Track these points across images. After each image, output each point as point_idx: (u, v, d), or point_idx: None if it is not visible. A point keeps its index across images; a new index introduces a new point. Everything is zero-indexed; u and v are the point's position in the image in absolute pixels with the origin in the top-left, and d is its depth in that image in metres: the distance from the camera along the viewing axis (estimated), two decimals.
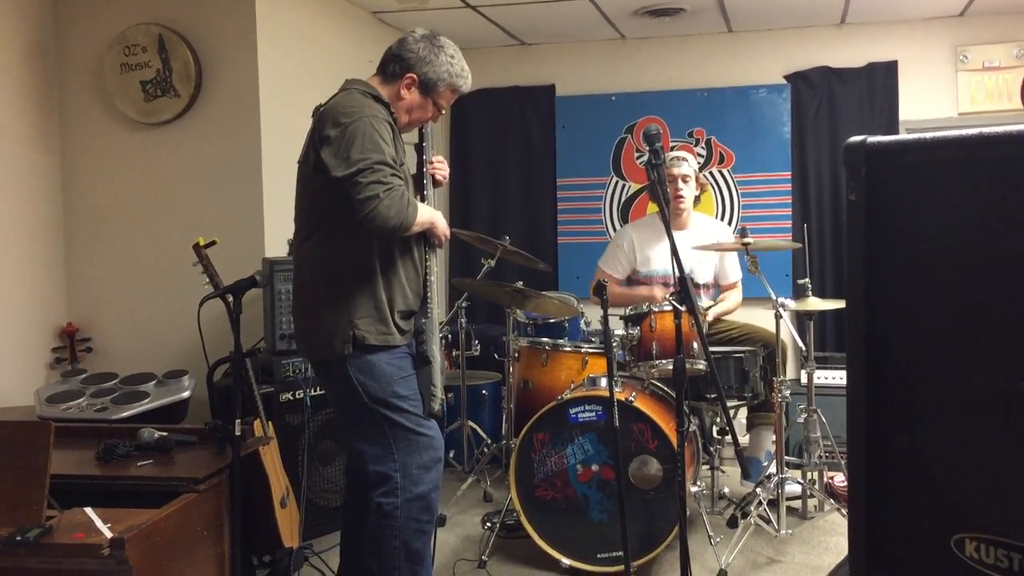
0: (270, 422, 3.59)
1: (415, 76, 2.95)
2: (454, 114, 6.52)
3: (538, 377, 4.25)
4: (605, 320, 3.26)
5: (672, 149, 6.00)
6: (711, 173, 6.12)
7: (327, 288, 2.88)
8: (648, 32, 6.05)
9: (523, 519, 3.65)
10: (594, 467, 3.60)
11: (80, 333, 4.59)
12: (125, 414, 3.53)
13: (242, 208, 4.41)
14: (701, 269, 4.63)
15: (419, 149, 3.16)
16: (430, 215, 2.93)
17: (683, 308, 2.83)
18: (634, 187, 6.26)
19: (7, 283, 4.28)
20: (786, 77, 6.02)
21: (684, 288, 2.81)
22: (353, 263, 2.85)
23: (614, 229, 6.21)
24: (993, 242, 1.16)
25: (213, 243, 3.44)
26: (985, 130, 1.21)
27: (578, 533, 3.61)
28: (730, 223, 6.03)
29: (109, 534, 2.49)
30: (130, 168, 4.56)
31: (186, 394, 3.71)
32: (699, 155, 6.10)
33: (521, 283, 4.24)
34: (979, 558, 1.24)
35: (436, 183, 3.17)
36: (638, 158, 6.20)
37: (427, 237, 2.99)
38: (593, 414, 3.59)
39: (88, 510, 2.67)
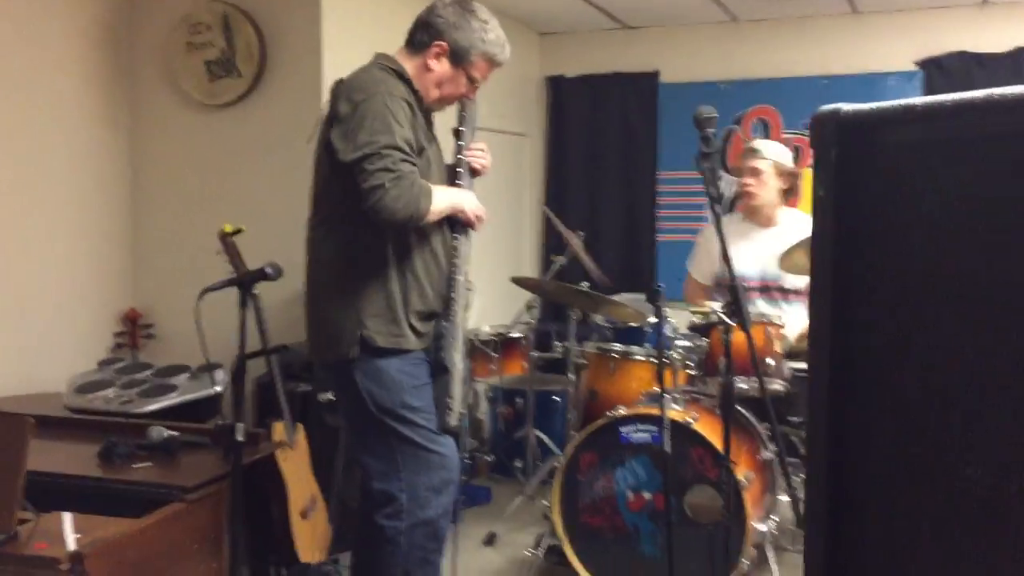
0: (300, 424, 3.35)
1: (444, 44, 2.64)
2: (551, 101, 6.17)
3: (605, 387, 3.87)
4: (659, 333, 2.87)
5: (785, 142, 5.46)
6: None
7: (336, 283, 2.60)
8: (762, 14, 5.54)
9: (567, 548, 3.29)
10: (646, 495, 3.20)
11: (143, 319, 4.48)
12: (150, 408, 3.36)
13: (301, 192, 4.18)
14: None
15: (456, 133, 2.84)
16: (451, 199, 2.60)
17: (733, 322, 2.41)
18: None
19: (74, 265, 4.21)
20: (918, 63, 5.38)
21: (736, 298, 2.39)
22: (364, 255, 2.56)
23: None
24: (1010, 262, 0.75)
25: (239, 231, 3.20)
26: (1000, 92, 0.79)
27: (627, 567, 3.22)
28: None
29: (72, 547, 2.28)
30: (195, 150, 4.43)
31: (218, 389, 3.51)
32: None
33: (587, 284, 3.86)
34: None
35: (475, 173, 2.84)
36: None
37: (453, 222, 2.67)
38: (647, 435, 3.18)
39: (65, 516, 2.47)
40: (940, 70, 5.34)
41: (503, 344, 4.76)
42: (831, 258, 0.90)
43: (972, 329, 0.81)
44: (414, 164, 2.48)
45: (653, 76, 5.93)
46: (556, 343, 4.73)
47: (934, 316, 0.85)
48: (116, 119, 4.42)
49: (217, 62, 4.25)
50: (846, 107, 0.92)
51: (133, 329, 4.42)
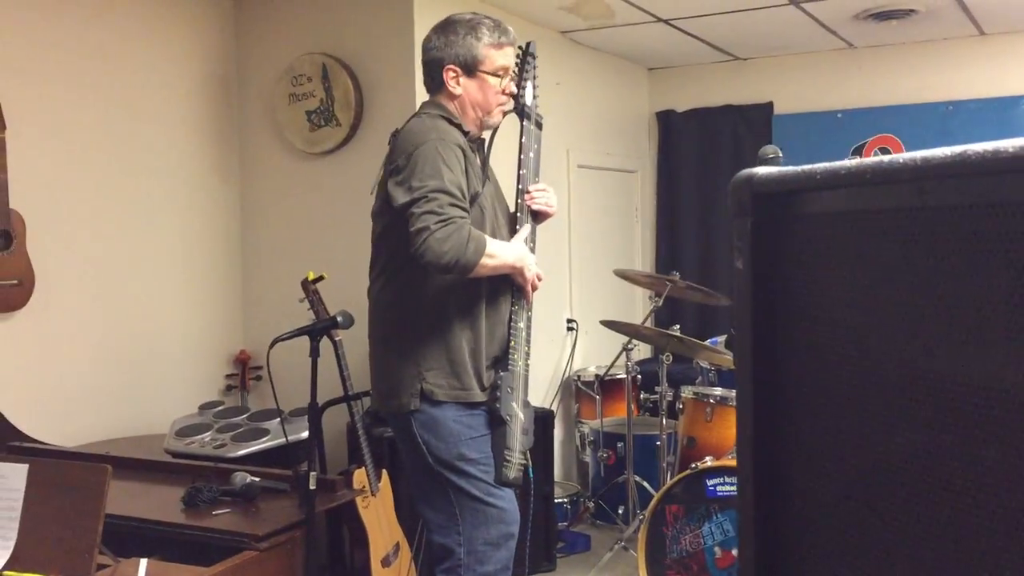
0: (386, 471, 3.36)
1: (452, 66, 2.62)
2: (661, 137, 6.06)
3: (703, 434, 3.74)
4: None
5: None
6: None
7: (396, 335, 2.59)
8: (879, 39, 5.29)
9: None
10: (735, 551, 3.04)
11: (253, 361, 4.62)
12: (242, 452, 3.43)
13: None
14: None
15: (518, 179, 2.78)
16: (510, 256, 2.54)
17: None
18: None
19: (189, 308, 4.39)
20: None
21: None
22: (424, 306, 2.54)
23: None
24: (934, 358, 0.65)
25: (321, 278, 3.27)
26: (939, 154, 0.69)
27: None
28: None
29: None
30: (298, 198, 4.55)
31: (305, 434, 3.55)
32: None
33: (678, 327, 3.74)
34: None
35: (537, 218, 2.78)
36: None
37: (512, 283, 2.62)
38: (735, 487, 3.03)
39: (142, 562, 2.54)
40: None
41: (603, 386, 4.67)
42: (751, 334, 0.81)
43: (893, 406, 0.71)
44: (465, 210, 2.45)
45: (767, 107, 5.76)
46: (664, 385, 4.60)
47: (856, 394, 0.75)
48: (227, 169, 4.60)
49: (317, 111, 4.37)
50: (761, 172, 0.83)
51: (244, 371, 4.55)
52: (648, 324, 4.19)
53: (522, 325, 2.65)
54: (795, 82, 5.68)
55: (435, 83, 2.68)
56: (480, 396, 2.57)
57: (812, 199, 0.78)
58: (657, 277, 4.12)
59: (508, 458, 2.53)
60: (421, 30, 4.19)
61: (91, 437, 3.87)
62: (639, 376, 4.86)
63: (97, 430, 3.93)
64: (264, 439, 3.51)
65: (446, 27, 2.65)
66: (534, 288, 2.63)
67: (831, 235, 0.76)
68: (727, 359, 3.89)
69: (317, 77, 4.34)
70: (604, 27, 5.00)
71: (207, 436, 3.55)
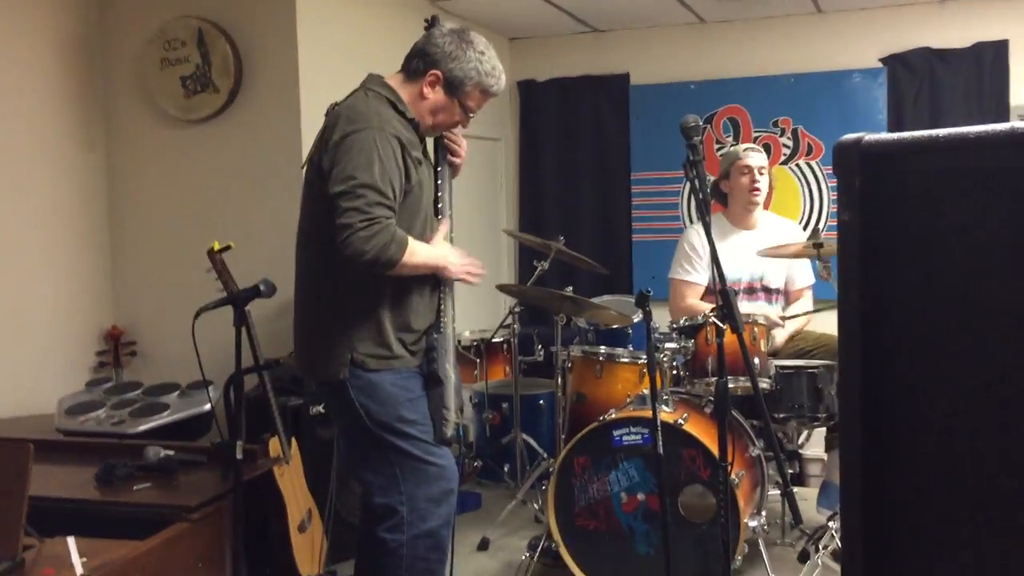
0: (295, 439, 3.36)
1: (439, 73, 2.65)
2: (522, 106, 6.21)
3: (592, 390, 3.91)
4: (648, 336, 2.91)
5: (755, 140, 5.56)
6: (798, 165, 5.65)
7: (324, 305, 2.61)
8: (729, 15, 5.61)
9: (563, 550, 3.33)
10: (640, 496, 3.25)
11: (125, 336, 4.46)
12: (142, 428, 3.36)
13: (282, 207, 4.19)
14: (773, 272, 4.17)
15: (434, 171, 2.84)
16: (436, 256, 2.62)
17: (725, 326, 2.46)
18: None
19: (53, 284, 4.19)
20: (882, 60, 5.49)
21: (727, 302, 2.44)
22: (353, 278, 2.55)
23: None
24: None
25: (228, 247, 3.22)
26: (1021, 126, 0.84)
27: (623, 567, 3.27)
28: (819, 220, 5.56)
29: (80, 571, 2.28)
30: (173, 167, 4.42)
31: (207, 407, 3.51)
32: (784, 146, 5.64)
33: (571, 288, 3.90)
34: None
35: (453, 167, 2.86)
36: (718, 150, 5.76)
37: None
38: (639, 437, 3.24)
39: (69, 540, 2.47)
40: (904, 66, 5.45)
41: (486, 349, 4.80)
42: (858, 279, 0.94)
43: (998, 347, 0.86)
44: (391, 208, 2.47)
45: (624, 78, 5.99)
46: (538, 347, 4.78)
47: (961, 336, 0.90)
48: (91, 137, 4.40)
49: (192, 77, 4.24)
50: (868, 137, 0.97)
51: (116, 347, 4.39)
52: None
53: (448, 289, 2.73)
54: (650, 55, 5.94)
55: (411, 71, 2.68)
56: (412, 361, 2.63)
57: (918, 159, 0.92)
58: (544, 241, 4.27)
59: (446, 417, 2.62)
60: None
61: None
62: (512, 341, 5.00)
63: None
64: (164, 413, 3.45)
65: (462, 40, 2.66)
66: (466, 279, 2.70)
67: (929, 189, 0.90)
68: (611, 316, 4.09)
69: (192, 42, 4.22)
70: None
71: (101, 413, 3.45)
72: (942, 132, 0.91)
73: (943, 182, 0.89)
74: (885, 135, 0.96)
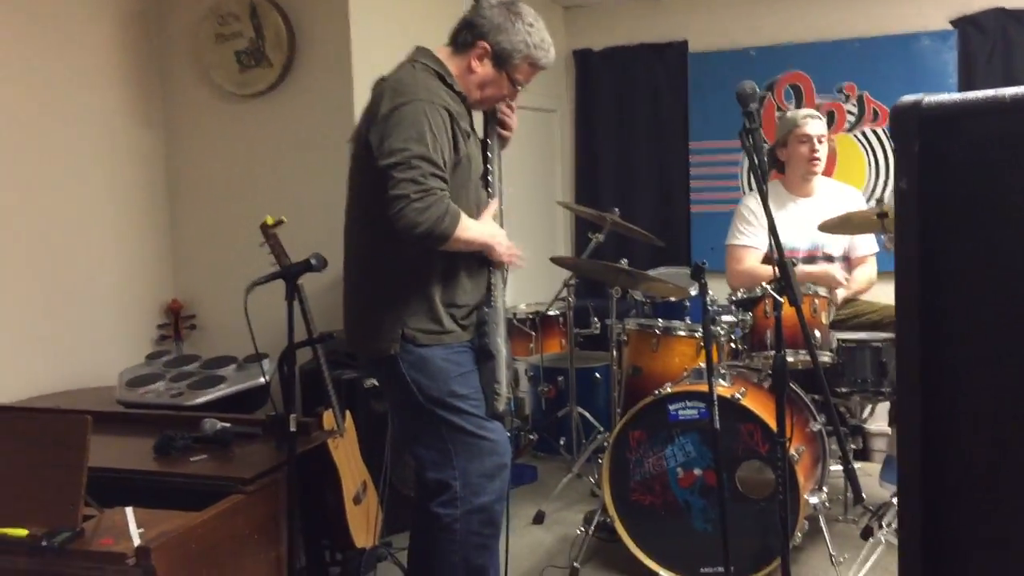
0: (349, 412, 3.37)
1: (488, 46, 2.60)
2: (578, 75, 6.12)
3: (649, 363, 3.86)
4: (704, 308, 2.85)
5: (818, 107, 5.41)
6: (863, 133, 5.48)
7: (374, 280, 2.60)
8: None
9: (618, 525, 3.30)
10: (697, 471, 3.20)
11: (185, 310, 4.52)
12: (200, 400, 3.39)
13: (335, 182, 4.19)
14: (834, 240, 4.04)
15: (483, 145, 2.80)
16: (486, 234, 2.58)
17: (783, 298, 2.39)
18: None
19: (114, 259, 4.25)
20: (952, 22, 5.29)
21: (785, 274, 2.37)
22: (402, 253, 2.53)
23: None
24: None
25: (281, 222, 3.23)
26: None
27: (680, 543, 3.23)
28: (884, 189, 5.40)
29: (138, 541, 2.31)
30: (228, 141, 4.44)
31: (262, 380, 3.53)
32: (849, 112, 5.48)
33: (626, 260, 3.83)
34: None
35: (502, 131, 2.82)
36: (779, 118, 5.62)
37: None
38: (695, 412, 3.18)
39: (128, 511, 2.51)
40: (975, 28, 5.24)
41: (541, 322, 4.76)
42: (916, 247, 0.89)
43: None
44: (445, 180, 2.43)
45: (682, 45, 5.87)
46: (593, 319, 4.72)
47: (1021, 305, 0.84)
48: (149, 113, 4.44)
49: (247, 52, 4.25)
50: (928, 98, 0.90)
51: (176, 321, 4.46)
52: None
53: (499, 263, 2.70)
54: (708, 21, 5.80)
55: (459, 43, 2.65)
56: (463, 336, 2.61)
57: (979, 122, 0.86)
58: (599, 213, 4.21)
59: (497, 391, 2.59)
60: None
61: (20, 393, 3.73)
62: (568, 314, 4.96)
63: (25, 385, 3.78)
64: (221, 386, 3.48)
65: (510, 11, 2.62)
66: (511, 263, 2.67)
67: (991, 154, 0.84)
68: (667, 289, 4.01)
69: (245, 16, 4.22)
70: None
71: (161, 386, 3.50)
72: (1008, 92, 0.84)
73: (1008, 146, 0.82)
74: (946, 96, 0.90)
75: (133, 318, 4.34)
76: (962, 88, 5.25)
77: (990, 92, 0.86)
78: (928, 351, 0.90)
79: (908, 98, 0.92)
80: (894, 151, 0.95)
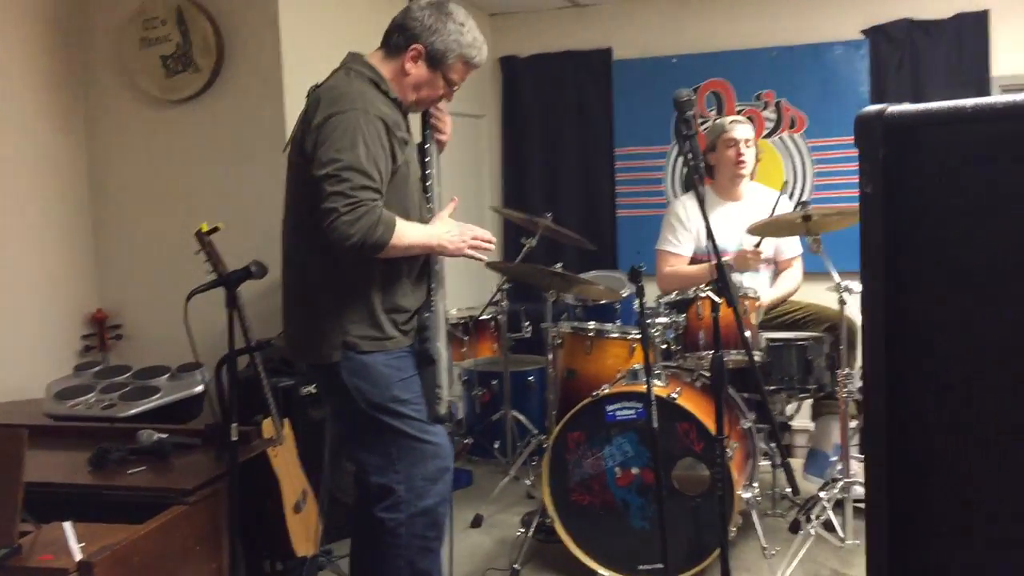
0: (287, 420, 3.35)
1: (421, 47, 2.62)
2: (504, 83, 6.18)
3: (583, 366, 3.92)
4: (641, 311, 2.92)
5: (739, 114, 5.56)
6: (781, 138, 5.65)
7: (314, 288, 2.59)
8: None
9: (557, 525, 3.35)
10: (634, 470, 3.27)
11: (110, 319, 4.42)
12: (133, 411, 3.34)
13: (268, 187, 4.16)
14: (762, 243, 4.18)
15: (421, 150, 2.82)
16: (428, 235, 2.59)
17: (720, 300, 2.47)
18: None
19: (35, 268, 4.13)
20: (864, 32, 5.49)
21: (722, 276, 2.45)
22: (342, 260, 2.52)
23: None
24: None
25: (216, 229, 3.18)
26: None
27: (618, 541, 3.30)
28: (802, 192, 5.57)
29: (79, 556, 2.28)
30: (155, 147, 4.36)
31: (198, 389, 3.49)
32: (767, 119, 5.65)
33: (561, 265, 3.90)
34: None
35: (439, 144, 2.85)
36: (702, 124, 5.76)
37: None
38: (633, 412, 3.25)
39: (66, 526, 2.45)
40: (885, 37, 5.45)
41: (474, 327, 4.79)
42: (881, 251, 0.95)
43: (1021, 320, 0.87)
44: (377, 191, 2.43)
45: (606, 53, 5.97)
46: (525, 323, 4.77)
47: (983, 308, 0.90)
48: (71, 119, 4.33)
49: (173, 57, 4.19)
50: (891, 108, 0.97)
51: (101, 330, 4.36)
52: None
53: (438, 268, 2.73)
54: (632, 29, 5.91)
55: (391, 46, 2.65)
56: (404, 341, 2.62)
57: (940, 131, 0.92)
58: (532, 218, 4.26)
59: (439, 395, 2.62)
60: None
61: None
62: (500, 318, 5.00)
63: None
64: (155, 396, 3.43)
65: (440, 10, 2.63)
66: (472, 255, 2.69)
67: (953, 161, 0.90)
68: (599, 292, 4.09)
69: (172, 20, 4.16)
70: None
71: (91, 397, 3.42)
72: (969, 103, 0.91)
73: (968, 153, 0.89)
74: (908, 106, 0.97)
75: (56, 329, 4.23)
76: (874, 94, 5.46)
77: (952, 103, 0.93)
78: (892, 347, 0.96)
79: (871, 108, 0.98)
80: (859, 157, 1.00)
